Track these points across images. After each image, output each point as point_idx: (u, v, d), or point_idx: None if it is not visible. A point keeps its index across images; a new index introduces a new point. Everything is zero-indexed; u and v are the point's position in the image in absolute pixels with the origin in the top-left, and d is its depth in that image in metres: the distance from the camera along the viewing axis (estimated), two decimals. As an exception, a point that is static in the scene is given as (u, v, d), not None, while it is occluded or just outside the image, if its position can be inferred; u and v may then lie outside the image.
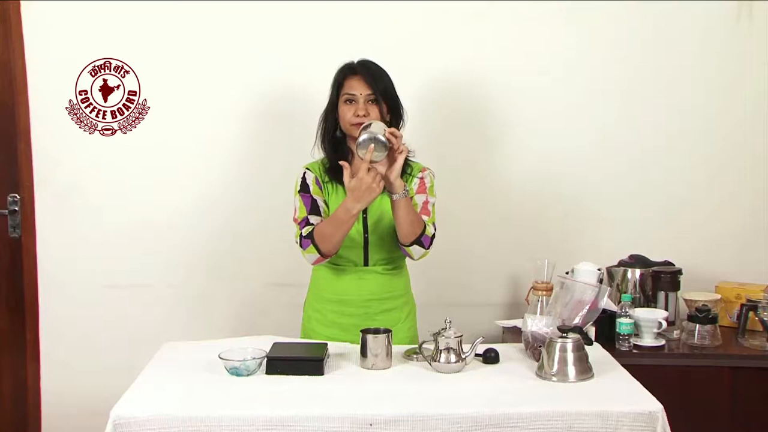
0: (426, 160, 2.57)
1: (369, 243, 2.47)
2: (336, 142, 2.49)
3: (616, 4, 3.11)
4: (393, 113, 2.48)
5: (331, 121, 2.48)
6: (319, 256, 2.37)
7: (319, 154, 2.55)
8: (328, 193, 2.48)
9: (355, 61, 2.48)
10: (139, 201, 3.12)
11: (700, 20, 3.14)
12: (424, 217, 2.43)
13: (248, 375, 2.14)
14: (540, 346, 2.18)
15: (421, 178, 2.51)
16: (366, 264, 2.48)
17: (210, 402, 1.96)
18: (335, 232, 2.32)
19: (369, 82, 2.41)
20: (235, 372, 2.13)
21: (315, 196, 2.45)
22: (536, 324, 2.27)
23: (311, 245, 2.36)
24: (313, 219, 2.42)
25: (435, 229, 2.43)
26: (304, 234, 2.39)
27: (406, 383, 2.11)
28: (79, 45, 3.04)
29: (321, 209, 2.45)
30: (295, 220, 2.45)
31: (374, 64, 2.47)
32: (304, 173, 2.49)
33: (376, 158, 2.23)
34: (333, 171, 2.46)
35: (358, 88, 2.41)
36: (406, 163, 2.44)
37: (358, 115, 2.39)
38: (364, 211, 2.44)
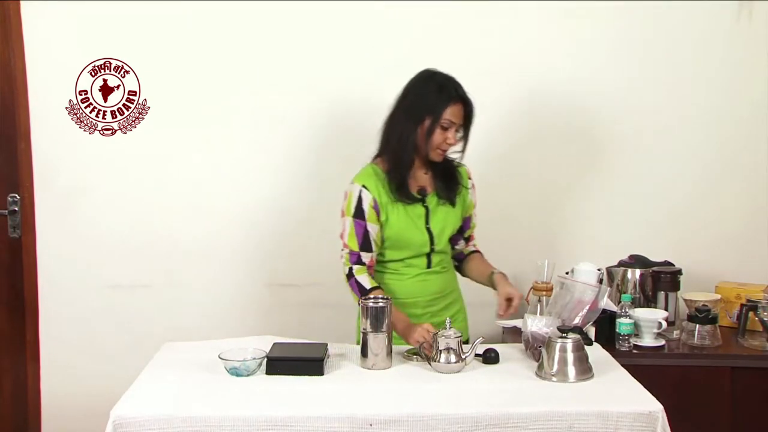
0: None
1: (433, 251, 2.49)
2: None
3: (615, 4, 3.11)
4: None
5: (421, 138, 2.37)
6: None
7: (366, 157, 2.49)
8: (387, 214, 2.42)
9: (452, 85, 2.38)
10: (139, 201, 3.12)
11: (700, 20, 3.14)
12: (467, 233, 2.66)
13: (248, 375, 2.14)
14: (540, 346, 2.18)
15: (473, 188, 2.60)
16: (429, 267, 2.51)
17: (210, 402, 1.96)
18: None
19: (467, 112, 2.40)
20: (235, 372, 2.13)
21: (369, 226, 2.40)
22: (536, 324, 2.28)
23: (355, 295, 2.39)
24: (365, 257, 2.41)
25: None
26: (356, 276, 2.40)
27: (406, 383, 2.11)
28: (79, 45, 3.04)
29: (372, 242, 2.41)
30: (343, 242, 2.43)
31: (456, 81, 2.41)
32: (360, 194, 2.39)
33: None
34: (401, 187, 2.42)
35: (458, 117, 2.38)
36: (455, 170, 2.53)
37: (449, 143, 2.39)
38: (427, 222, 2.46)
